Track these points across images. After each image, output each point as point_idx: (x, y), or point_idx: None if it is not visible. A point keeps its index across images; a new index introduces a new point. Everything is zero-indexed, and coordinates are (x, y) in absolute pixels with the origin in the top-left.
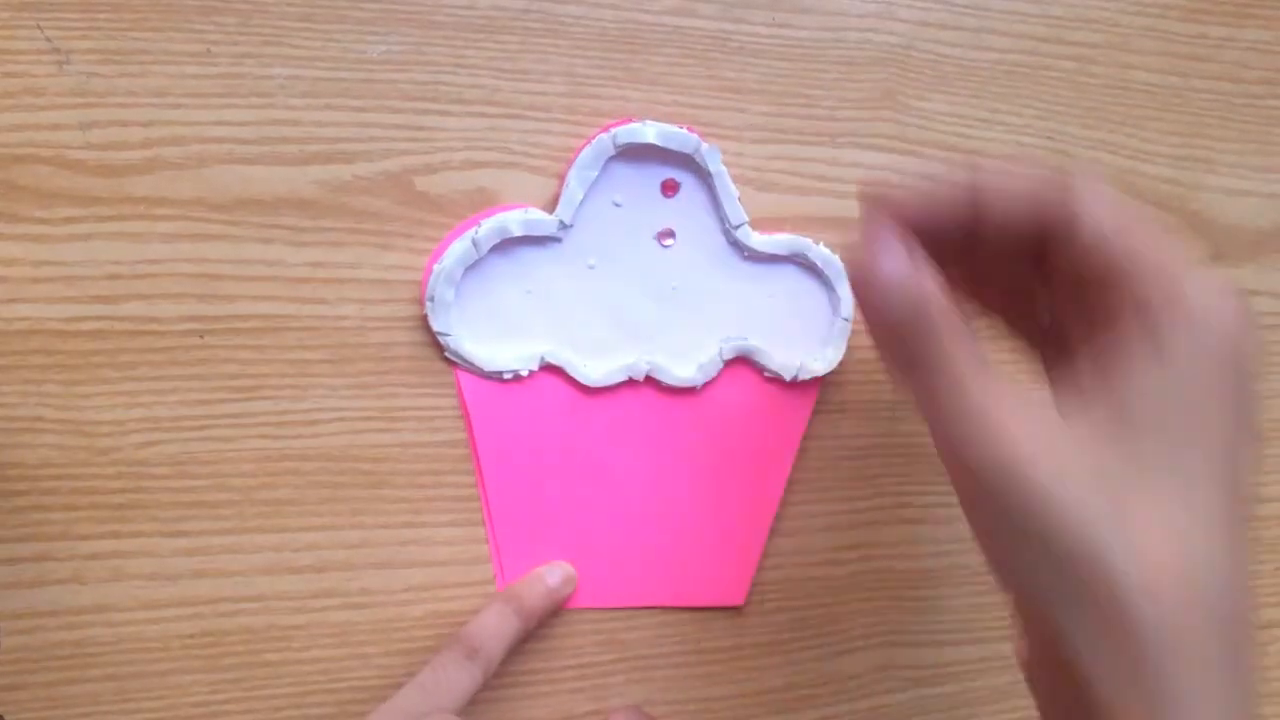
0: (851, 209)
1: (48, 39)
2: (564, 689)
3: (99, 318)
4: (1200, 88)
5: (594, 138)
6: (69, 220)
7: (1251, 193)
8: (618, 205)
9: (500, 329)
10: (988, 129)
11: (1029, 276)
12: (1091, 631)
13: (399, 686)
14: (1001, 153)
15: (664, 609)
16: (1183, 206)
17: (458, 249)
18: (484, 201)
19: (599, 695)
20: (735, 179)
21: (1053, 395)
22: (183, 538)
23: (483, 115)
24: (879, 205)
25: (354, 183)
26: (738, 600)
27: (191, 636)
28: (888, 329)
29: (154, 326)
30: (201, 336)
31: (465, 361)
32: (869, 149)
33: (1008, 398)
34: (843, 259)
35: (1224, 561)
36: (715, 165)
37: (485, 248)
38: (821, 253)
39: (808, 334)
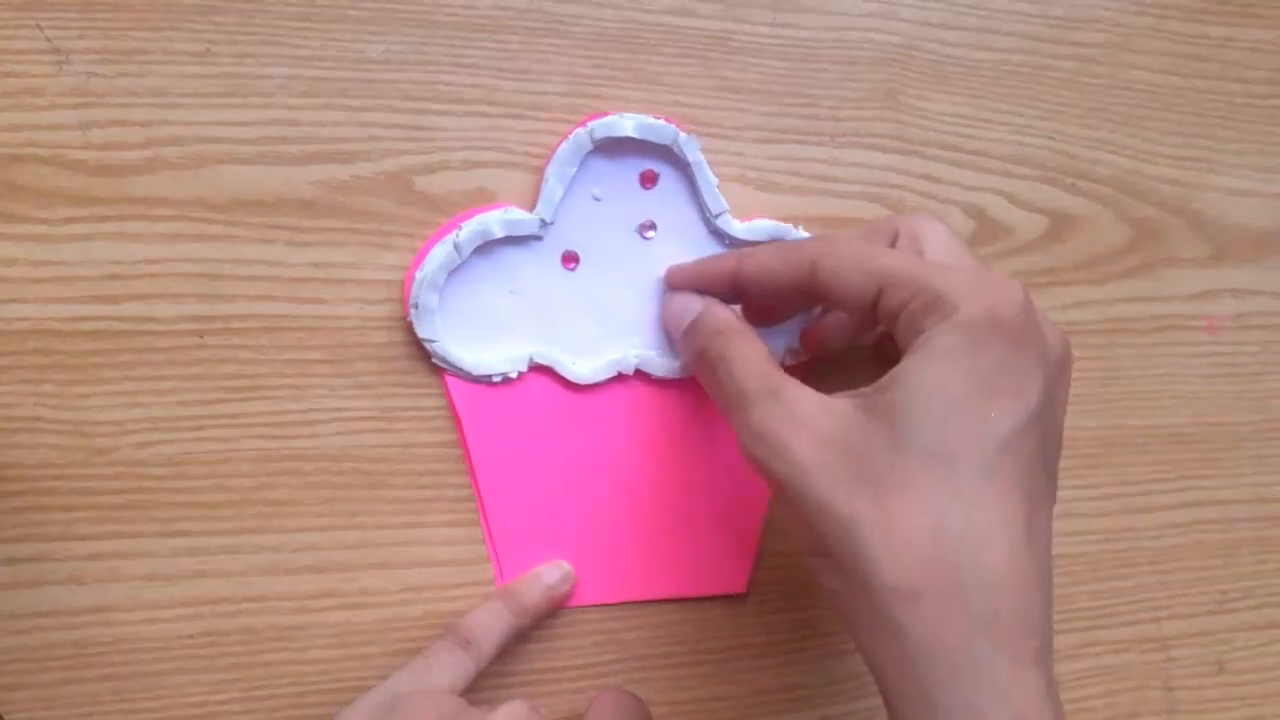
0: (852, 209)
1: (47, 39)
2: (564, 689)
3: (98, 318)
4: (1202, 88)
5: (571, 133)
6: (68, 220)
7: (1253, 192)
8: (597, 199)
9: (486, 332)
10: (989, 129)
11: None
12: (874, 637)
13: None
14: (1003, 153)
15: (664, 607)
16: (1184, 206)
17: (439, 254)
18: (484, 201)
19: None
20: (735, 179)
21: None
22: (181, 538)
23: (483, 115)
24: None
25: (353, 183)
26: (739, 588)
27: (190, 637)
28: (693, 341)
29: (153, 326)
30: (201, 336)
31: (453, 367)
32: (870, 149)
33: (794, 385)
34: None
35: (997, 550)
36: (694, 155)
37: (467, 251)
38: (802, 238)
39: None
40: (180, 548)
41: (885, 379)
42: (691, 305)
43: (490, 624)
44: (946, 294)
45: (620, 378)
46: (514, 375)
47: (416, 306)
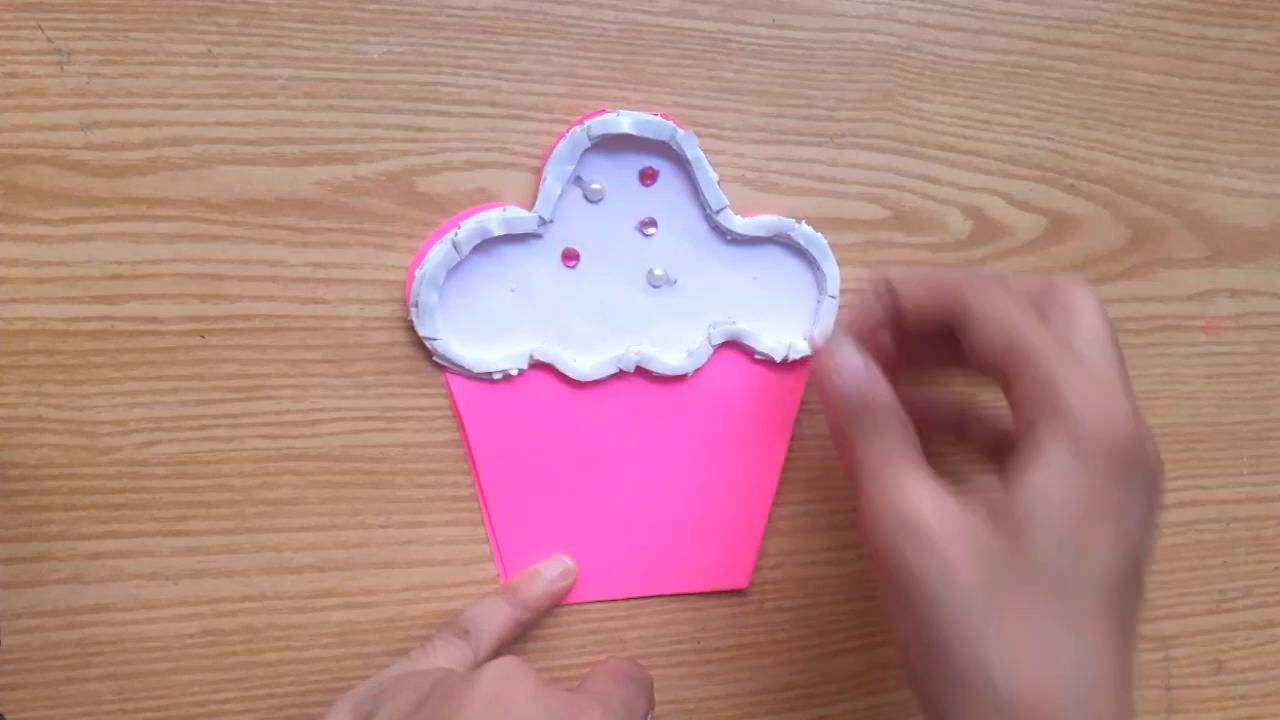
0: (852, 210)
1: (49, 39)
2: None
3: (100, 318)
4: (1199, 88)
5: (568, 131)
6: (70, 220)
7: (1251, 193)
8: (594, 201)
9: (487, 329)
10: (987, 130)
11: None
12: None
13: None
14: (1001, 153)
15: (664, 606)
16: (1182, 207)
17: (438, 252)
18: (485, 201)
19: None
20: (735, 179)
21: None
22: (183, 537)
23: (484, 116)
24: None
25: (355, 183)
26: (742, 583)
27: (192, 636)
28: (840, 408)
29: (155, 327)
30: (202, 336)
31: (454, 365)
32: (869, 150)
33: (921, 479)
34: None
35: (1100, 688)
36: (693, 151)
37: (466, 249)
38: (805, 232)
39: (795, 313)
40: (182, 547)
41: (1010, 482)
42: (848, 364)
43: (489, 616)
44: (1068, 399)
45: (621, 374)
46: (515, 373)
47: (416, 305)
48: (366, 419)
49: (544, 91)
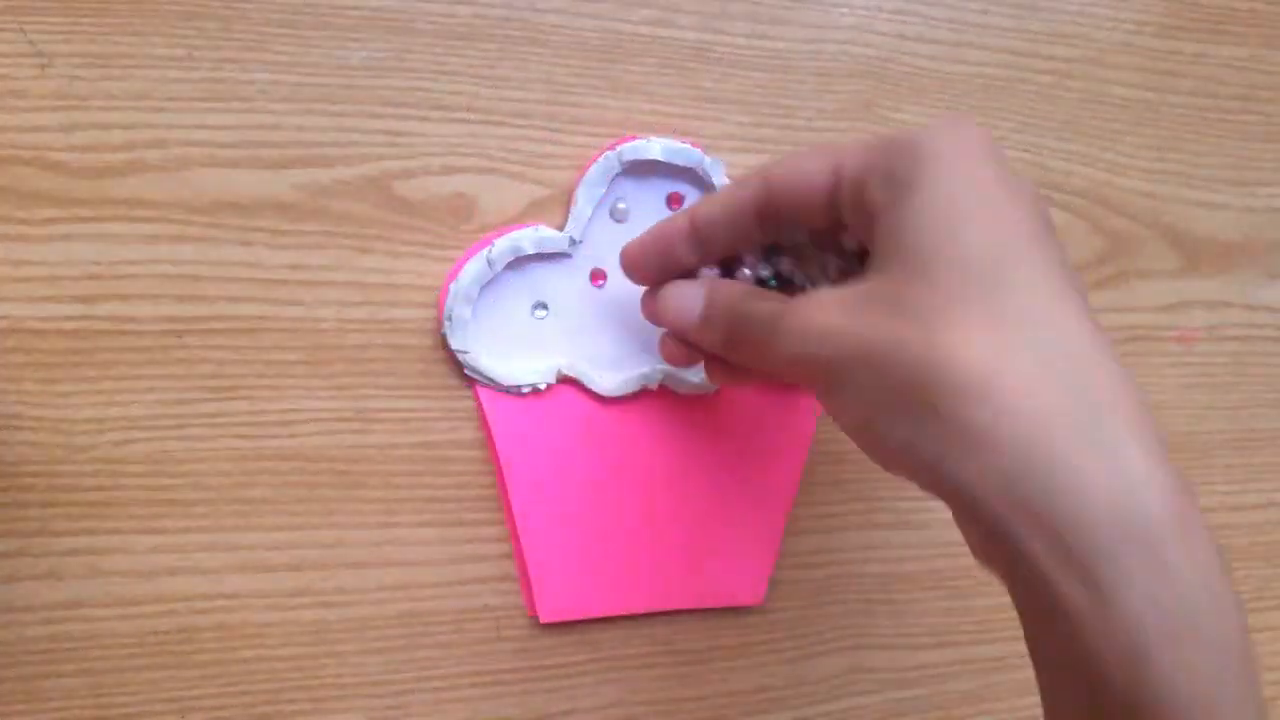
0: None
1: (31, 42)
2: (538, 688)
3: (78, 317)
4: (1175, 102)
5: (600, 155)
6: (49, 221)
7: (1225, 206)
8: (624, 220)
9: (517, 344)
10: None
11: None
12: (963, 455)
13: (373, 684)
14: None
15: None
16: (1157, 219)
17: (473, 268)
18: (462, 206)
19: (572, 695)
20: None
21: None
22: (158, 535)
23: (462, 121)
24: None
25: (333, 187)
26: (757, 600)
27: (166, 633)
28: (704, 327)
29: (132, 326)
30: (179, 336)
31: (484, 377)
32: None
33: (808, 299)
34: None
35: (1096, 365)
36: (719, 177)
37: (499, 266)
38: None
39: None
40: (157, 545)
41: (879, 243)
42: (689, 293)
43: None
44: (913, 141)
45: (645, 392)
46: (543, 386)
47: (450, 318)
48: (342, 420)
49: (523, 98)
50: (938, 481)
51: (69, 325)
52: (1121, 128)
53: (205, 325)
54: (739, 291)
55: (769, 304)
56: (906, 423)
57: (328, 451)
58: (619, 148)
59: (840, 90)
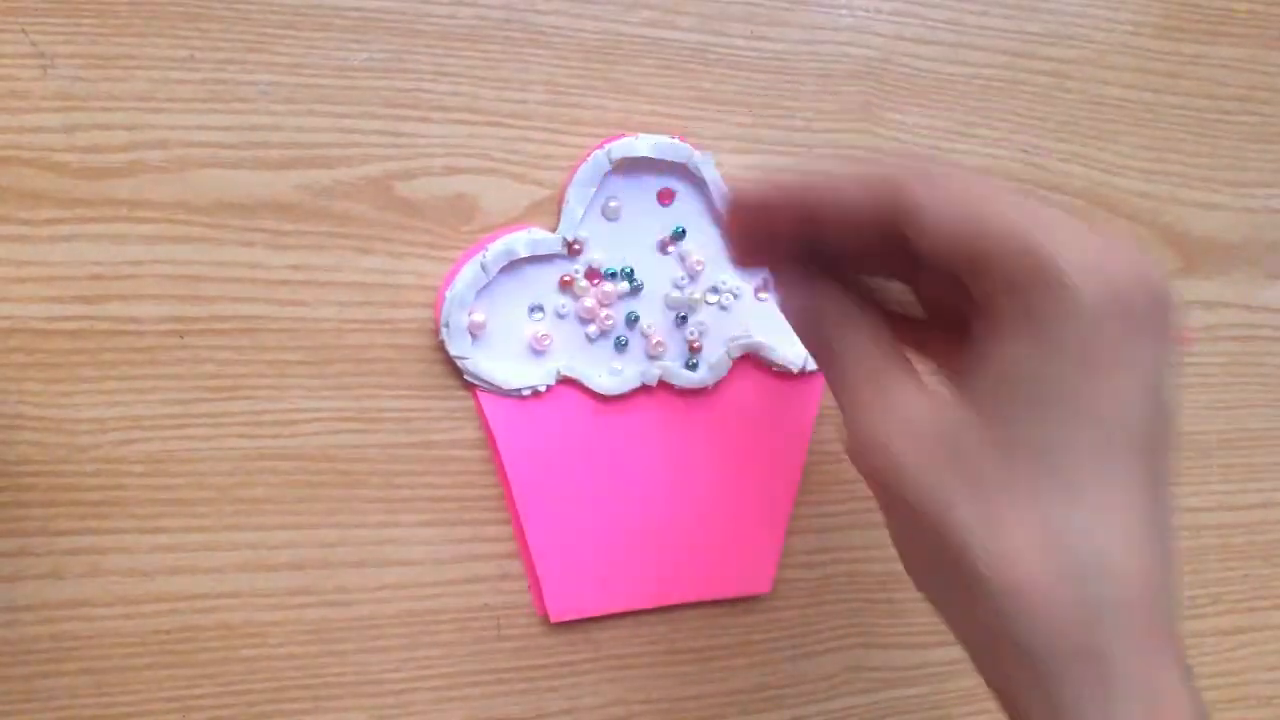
0: None
1: (32, 43)
2: (539, 687)
3: (80, 317)
4: (1173, 103)
5: (589, 155)
6: (51, 221)
7: (1223, 207)
8: (617, 219)
9: (515, 347)
10: (963, 142)
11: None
12: (989, 650)
13: (374, 683)
14: (977, 166)
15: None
16: (1155, 220)
17: (468, 274)
18: (464, 207)
19: (572, 694)
20: None
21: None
22: (160, 534)
23: (463, 122)
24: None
25: (334, 187)
26: (766, 587)
27: (168, 632)
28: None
29: (134, 327)
30: (181, 337)
31: (484, 382)
32: (845, 161)
33: (892, 382)
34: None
35: (1115, 539)
36: (710, 172)
37: (494, 270)
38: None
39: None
40: (159, 544)
41: (984, 363)
42: (794, 302)
43: None
44: (1057, 261)
45: (645, 389)
46: (543, 388)
47: (448, 325)
48: (343, 420)
49: (523, 99)
50: (954, 632)
51: (71, 325)
52: (1120, 128)
53: (207, 325)
54: (837, 320)
55: (864, 362)
56: (937, 581)
57: (329, 451)
58: (607, 146)
59: (839, 91)
